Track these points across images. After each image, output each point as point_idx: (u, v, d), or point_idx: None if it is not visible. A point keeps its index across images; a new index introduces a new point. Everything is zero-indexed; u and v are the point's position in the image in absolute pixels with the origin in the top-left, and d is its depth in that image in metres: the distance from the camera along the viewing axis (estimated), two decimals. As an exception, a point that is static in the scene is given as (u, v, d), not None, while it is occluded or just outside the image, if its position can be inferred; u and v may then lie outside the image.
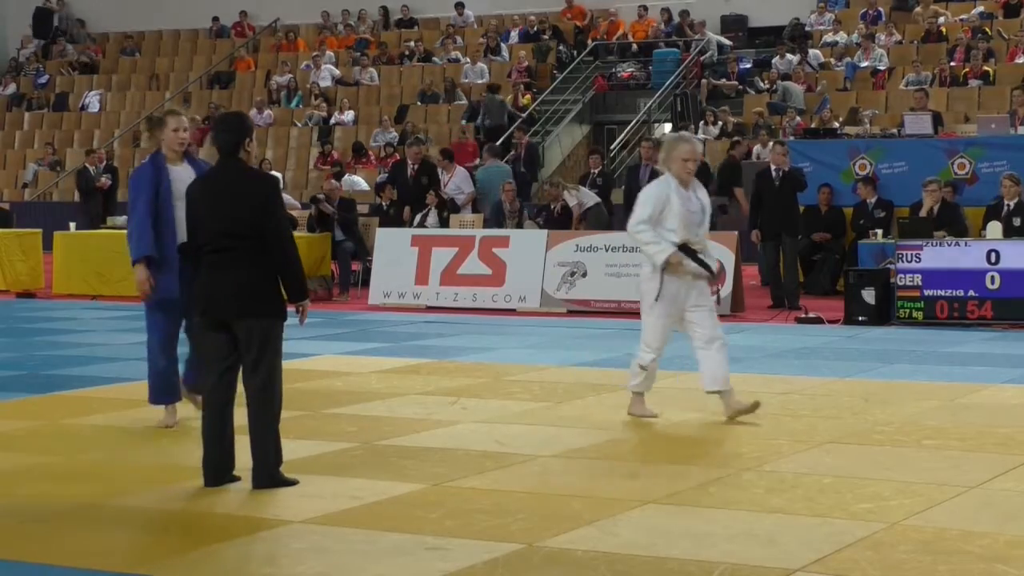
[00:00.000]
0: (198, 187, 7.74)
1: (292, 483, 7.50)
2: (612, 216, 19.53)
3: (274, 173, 22.29)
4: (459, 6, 33.04)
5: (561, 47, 30.83)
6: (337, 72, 31.84)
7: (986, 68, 24.92)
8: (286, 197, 21.04)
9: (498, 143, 26.53)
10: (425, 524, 6.74)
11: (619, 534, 6.53)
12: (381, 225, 19.18)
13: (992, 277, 14.46)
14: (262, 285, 7.38)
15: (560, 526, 6.64)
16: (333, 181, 20.86)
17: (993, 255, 14.52)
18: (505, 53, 31.13)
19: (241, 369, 7.48)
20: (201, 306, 7.53)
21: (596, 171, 20.28)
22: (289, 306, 7.56)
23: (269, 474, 7.44)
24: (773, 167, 16.98)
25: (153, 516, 6.97)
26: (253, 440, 7.45)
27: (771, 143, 18.65)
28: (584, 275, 16.58)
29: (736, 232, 16.51)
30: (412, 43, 32.28)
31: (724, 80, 28.63)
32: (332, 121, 29.98)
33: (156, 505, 7.16)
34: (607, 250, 16.61)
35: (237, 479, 7.54)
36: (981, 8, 27.67)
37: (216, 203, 7.50)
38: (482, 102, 28.72)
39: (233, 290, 7.37)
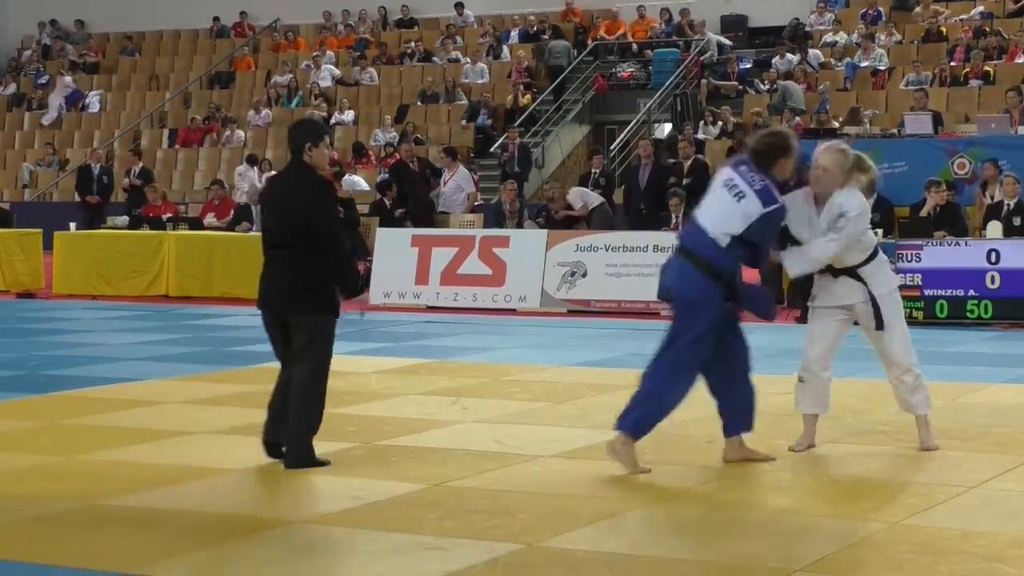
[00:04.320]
0: (266, 188, 8.44)
1: (323, 463, 7.88)
2: (613, 216, 19.54)
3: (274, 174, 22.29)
4: (459, 6, 33.04)
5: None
6: (337, 72, 31.85)
7: (986, 68, 24.92)
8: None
9: (495, 146, 26.66)
10: (425, 524, 6.74)
11: (619, 534, 6.53)
12: (383, 225, 19.19)
13: (992, 277, 14.46)
14: (310, 282, 7.73)
15: (560, 526, 6.64)
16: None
17: (993, 255, 14.52)
18: (505, 53, 31.17)
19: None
20: (259, 300, 7.99)
21: (597, 171, 20.28)
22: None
23: (298, 456, 7.86)
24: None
25: (153, 516, 6.97)
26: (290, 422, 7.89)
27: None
28: (584, 275, 16.58)
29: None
30: (412, 43, 32.28)
31: (724, 80, 28.63)
32: (332, 121, 29.98)
33: (156, 505, 7.15)
34: (607, 250, 16.61)
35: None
36: (981, 8, 27.67)
37: (276, 202, 7.97)
38: (547, 46, 30.05)
39: (284, 287, 7.80)
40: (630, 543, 6.35)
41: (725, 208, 7.75)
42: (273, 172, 22.88)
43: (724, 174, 7.93)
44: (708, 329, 7.74)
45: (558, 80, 29.40)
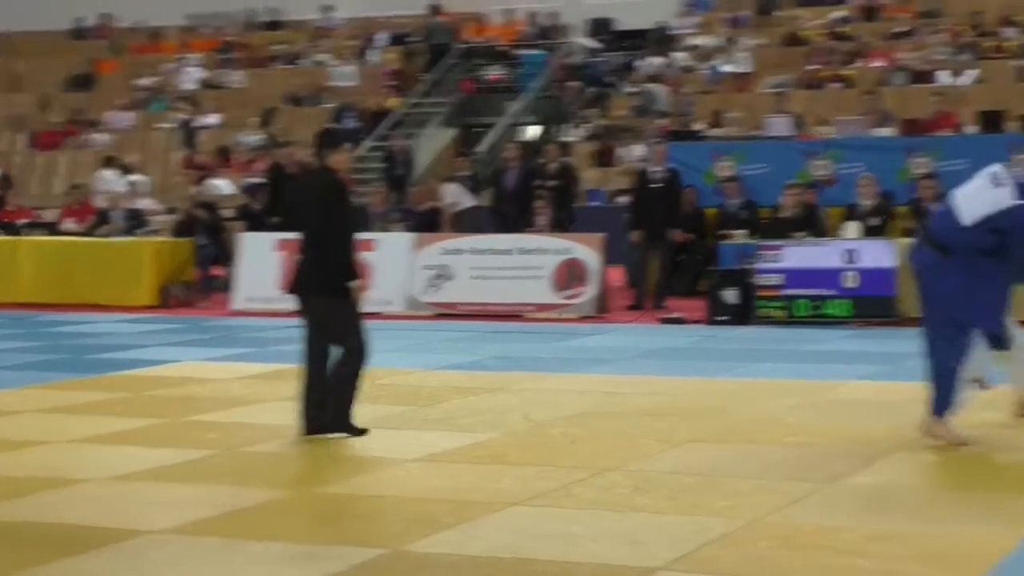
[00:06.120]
0: (294, 188, 9.98)
1: (362, 432, 8.82)
2: (481, 218, 19.53)
3: (137, 177, 21.97)
4: (326, 8, 32.85)
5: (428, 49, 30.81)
6: (202, 74, 31.47)
7: (844, 72, 25.34)
8: (148, 202, 20.77)
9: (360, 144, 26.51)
10: (288, 531, 6.68)
11: (483, 537, 6.52)
12: (251, 229, 18.96)
13: (850, 276, 14.72)
14: (325, 269, 8.81)
15: (425, 530, 6.61)
16: (195, 187, 20.59)
17: (850, 254, 14.79)
18: (375, 56, 31.08)
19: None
20: (290, 288, 9.17)
21: (465, 174, 20.26)
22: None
23: (341, 422, 8.79)
24: (652, 168, 17.15)
25: (8, 528, 6.80)
26: (333, 395, 8.83)
27: (650, 143, 18.73)
28: (450, 278, 16.57)
29: (601, 234, 16.62)
30: (279, 45, 32.03)
31: (591, 82, 28.80)
32: (197, 124, 29.62)
33: (12, 517, 6.98)
34: (473, 253, 16.62)
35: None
36: (841, 12, 28.16)
37: (298, 200, 9.31)
38: (425, 24, 30.51)
39: (304, 274, 8.97)
40: (494, 546, 6.35)
41: (979, 192, 8.15)
42: (138, 175, 22.59)
43: (993, 167, 8.29)
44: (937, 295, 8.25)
45: (442, 60, 29.55)
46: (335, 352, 8.93)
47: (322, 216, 8.86)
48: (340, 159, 9.02)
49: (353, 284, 8.87)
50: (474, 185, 20.21)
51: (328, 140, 9.18)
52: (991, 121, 17.95)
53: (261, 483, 7.67)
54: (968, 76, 24.12)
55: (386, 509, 7.08)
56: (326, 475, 7.85)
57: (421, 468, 8.09)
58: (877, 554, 6.09)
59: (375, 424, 9.40)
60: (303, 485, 7.60)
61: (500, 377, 11.61)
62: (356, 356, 8.87)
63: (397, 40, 31.40)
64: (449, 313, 16.37)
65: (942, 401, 8.32)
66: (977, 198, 8.16)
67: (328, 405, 8.87)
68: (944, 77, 24.18)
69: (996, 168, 8.31)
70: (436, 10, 30.69)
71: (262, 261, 17.30)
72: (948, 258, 8.16)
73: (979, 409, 9.34)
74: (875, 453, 8.17)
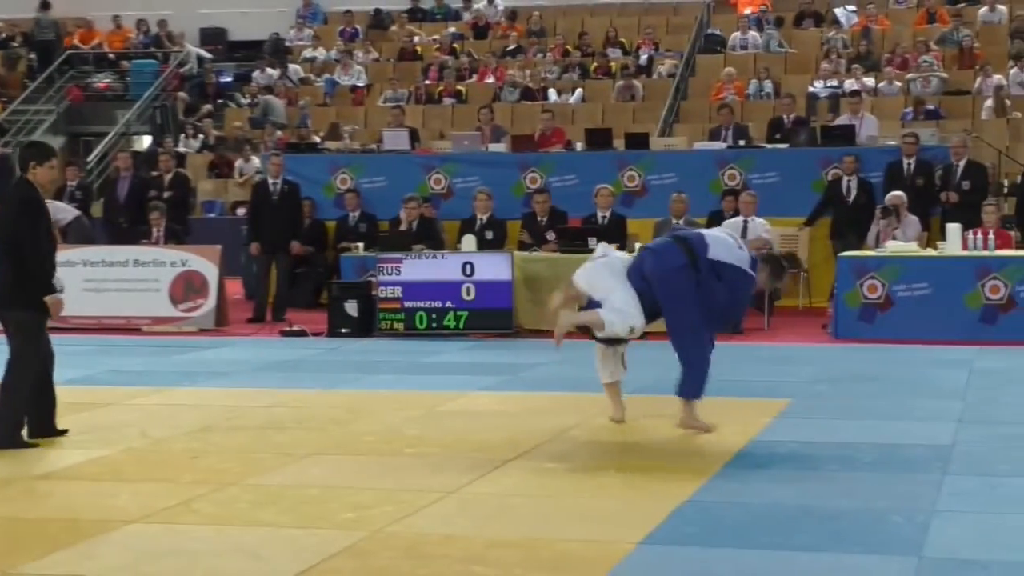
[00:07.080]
0: None
1: (33, 446, 8.84)
2: (92, 230, 18.94)
3: None
4: (-82, 8, 31.25)
5: (32, 55, 29.74)
6: None
7: (459, 87, 25.87)
8: None
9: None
10: None
11: (100, 556, 6.35)
12: None
13: (467, 288, 15.01)
14: (15, 282, 8.99)
15: (38, 551, 6.39)
16: None
17: (468, 267, 15.08)
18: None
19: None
20: None
21: (74, 183, 19.65)
22: None
23: (6, 440, 8.79)
24: (270, 180, 17.06)
25: None
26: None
27: (267, 155, 18.59)
28: (60, 291, 15.97)
29: (219, 246, 16.41)
30: None
31: (204, 93, 28.43)
32: None
33: None
34: (85, 265, 16.13)
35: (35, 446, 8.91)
36: (453, 29, 28.72)
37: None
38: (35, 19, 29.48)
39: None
40: (110, 566, 6.19)
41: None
42: None
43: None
44: None
45: (48, 61, 28.69)
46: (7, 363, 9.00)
47: (18, 229, 8.94)
48: (44, 173, 9.09)
49: (50, 298, 9.06)
50: (84, 196, 19.58)
51: (35, 153, 9.18)
52: (598, 139, 18.58)
53: None
54: (575, 94, 25.02)
55: (-5, 532, 6.81)
56: (-71, 499, 7.47)
57: (35, 486, 7.83)
58: (496, 561, 6.23)
59: (-18, 444, 9.04)
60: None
61: (116, 392, 11.33)
62: (25, 368, 8.99)
63: (-3, 44, 30.18)
64: (60, 327, 15.75)
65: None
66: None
67: (50, 409, 9.22)
68: (553, 95, 25.00)
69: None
70: (46, 5, 29.55)
71: None
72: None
73: (595, 415, 9.72)
74: (494, 462, 8.35)
